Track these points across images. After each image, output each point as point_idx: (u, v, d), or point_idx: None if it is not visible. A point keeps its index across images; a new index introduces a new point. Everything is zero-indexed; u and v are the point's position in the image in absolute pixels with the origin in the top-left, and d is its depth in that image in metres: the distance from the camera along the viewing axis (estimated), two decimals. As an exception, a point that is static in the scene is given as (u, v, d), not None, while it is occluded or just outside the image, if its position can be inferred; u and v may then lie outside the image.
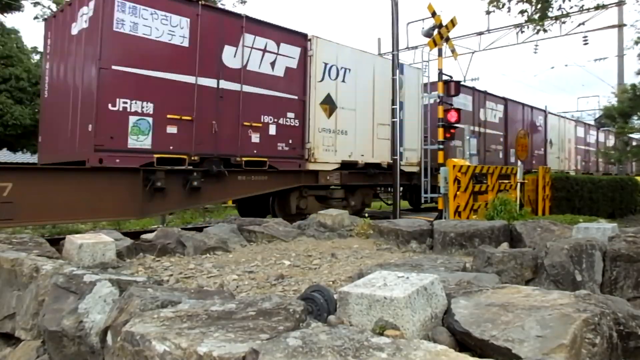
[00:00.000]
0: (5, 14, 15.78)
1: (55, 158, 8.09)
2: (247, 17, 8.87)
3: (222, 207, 14.85)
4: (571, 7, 12.31)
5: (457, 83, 11.15)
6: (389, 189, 14.06)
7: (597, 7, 15.56)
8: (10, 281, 2.94)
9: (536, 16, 11.43)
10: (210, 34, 8.20)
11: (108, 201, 7.13)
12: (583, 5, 13.72)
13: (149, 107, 7.42)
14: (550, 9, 11.49)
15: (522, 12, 11.60)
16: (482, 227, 4.74)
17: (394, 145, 10.41)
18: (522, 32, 13.70)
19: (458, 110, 10.74)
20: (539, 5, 11.30)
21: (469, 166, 9.75)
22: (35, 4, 17.25)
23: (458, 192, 9.30)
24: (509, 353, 1.63)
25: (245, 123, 8.66)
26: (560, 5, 11.65)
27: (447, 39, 11.10)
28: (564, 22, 13.77)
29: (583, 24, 17.60)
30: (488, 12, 13.32)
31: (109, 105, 7.03)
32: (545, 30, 12.92)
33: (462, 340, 1.82)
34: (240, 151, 8.61)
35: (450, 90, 10.76)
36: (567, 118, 22.94)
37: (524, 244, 4.53)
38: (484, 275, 3.08)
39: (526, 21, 12.17)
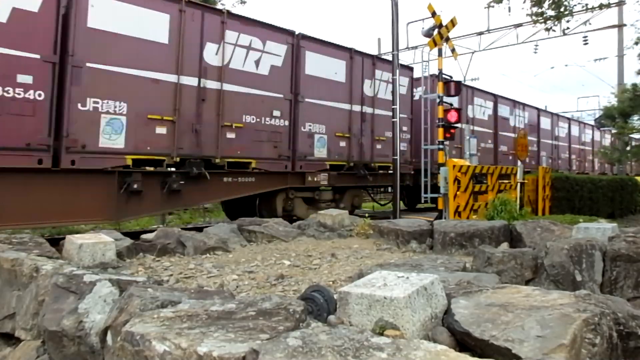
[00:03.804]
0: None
1: None
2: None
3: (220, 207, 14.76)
4: (574, 5, 12.32)
5: (458, 83, 11.12)
6: (382, 190, 14.33)
7: (601, 7, 15.47)
8: (10, 281, 2.94)
9: (551, 12, 11.48)
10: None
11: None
12: (587, 4, 13.72)
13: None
14: (564, 8, 11.57)
15: (534, 14, 11.68)
16: (482, 227, 4.74)
17: (394, 145, 10.40)
18: (550, 31, 13.35)
19: (458, 110, 10.70)
20: (553, 4, 11.35)
21: (469, 166, 9.74)
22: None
23: (458, 192, 9.29)
24: (509, 353, 1.63)
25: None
26: (566, 4, 11.69)
27: (447, 39, 11.06)
28: (568, 21, 13.74)
29: (584, 23, 17.59)
30: (488, 6, 13.36)
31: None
32: (547, 30, 12.91)
33: (462, 340, 1.82)
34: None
35: (451, 91, 10.72)
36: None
37: (524, 244, 4.53)
38: (484, 275, 3.08)
39: (535, 21, 12.20)
